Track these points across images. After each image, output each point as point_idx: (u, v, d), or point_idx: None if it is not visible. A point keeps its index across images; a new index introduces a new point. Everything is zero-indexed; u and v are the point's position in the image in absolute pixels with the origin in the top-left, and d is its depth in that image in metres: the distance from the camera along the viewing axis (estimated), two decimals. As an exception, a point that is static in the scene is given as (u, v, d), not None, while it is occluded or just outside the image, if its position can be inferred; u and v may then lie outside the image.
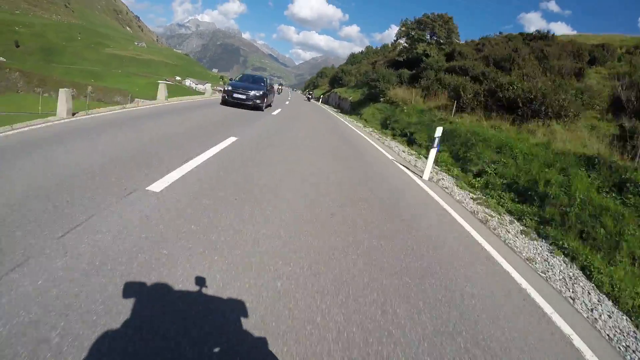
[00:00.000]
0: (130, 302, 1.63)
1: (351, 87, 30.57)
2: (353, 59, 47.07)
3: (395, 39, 24.16)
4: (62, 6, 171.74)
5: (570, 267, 3.61)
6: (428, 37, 19.91)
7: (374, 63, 30.76)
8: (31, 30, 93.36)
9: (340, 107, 26.41)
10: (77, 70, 70.98)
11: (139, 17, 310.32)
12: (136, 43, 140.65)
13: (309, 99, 36.46)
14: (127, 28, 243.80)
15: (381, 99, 14.43)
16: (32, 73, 58.25)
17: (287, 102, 21.23)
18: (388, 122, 11.07)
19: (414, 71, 16.47)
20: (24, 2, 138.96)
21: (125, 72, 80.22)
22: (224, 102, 10.27)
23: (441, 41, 19.42)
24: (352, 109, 20.46)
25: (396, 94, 13.05)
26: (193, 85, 73.93)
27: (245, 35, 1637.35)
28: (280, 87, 37.30)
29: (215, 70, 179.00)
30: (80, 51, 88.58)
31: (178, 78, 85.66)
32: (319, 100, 35.90)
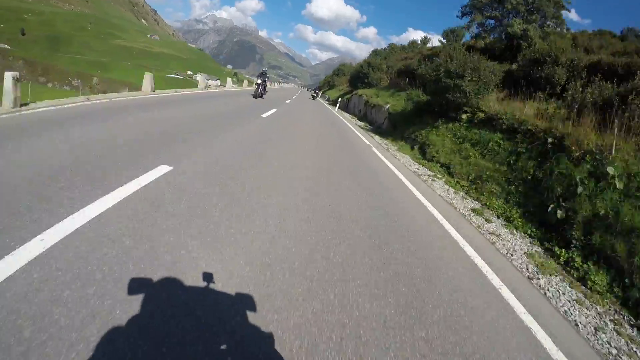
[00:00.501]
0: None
1: (384, 88, 21.54)
2: (375, 54, 36.84)
3: (464, 20, 17.16)
4: None
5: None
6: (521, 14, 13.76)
7: (424, 55, 20.34)
8: (40, 18, 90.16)
9: (370, 120, 17.69)
10: (83, 60, 66.41)
11: (155, 11, 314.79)
12: (149, 35, 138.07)
13: (314, 97, 33.01)
14: (143, 21, 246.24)
15: (463, 115, 8.43)
16: (37, 62, 56.53)
17: (288, 101, 17.76)
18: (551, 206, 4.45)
19: (514, 66, 10.46)
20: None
21: (134, 64, 74.46)
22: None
23: (548, 23, 13.13)
24: (394, 127, 12.59)
25: (508, 110, 7.04)
26: (206, 81, 77.87)
27: (262, 33, 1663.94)
28: (260, 81, 30.04)
29: (229, 67, 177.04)
30: (89, 41, 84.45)
31: (189, 72, 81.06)
32: (336, 105, 26.94)
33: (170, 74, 66.16)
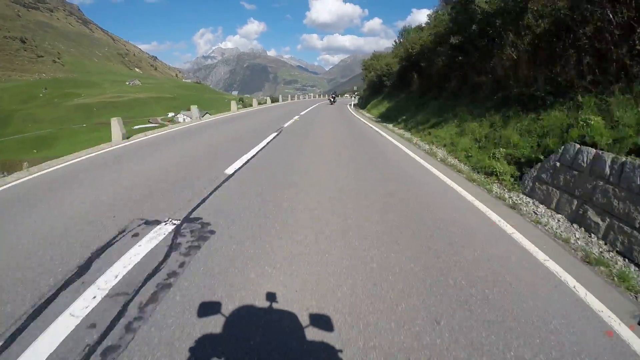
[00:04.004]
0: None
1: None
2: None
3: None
4: (50, 62, 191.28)
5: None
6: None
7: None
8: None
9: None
10: (16, 141, 67.11)
11: (155, 57, 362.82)
12: (128, 83, 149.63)
13: (331, 101, 36.34)
14: (136, 69, 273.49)
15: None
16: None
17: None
18: None
19: None
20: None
21: (93, 122, 77.32)
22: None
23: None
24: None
25: None
26: (186, 118, 52.52)
27: (271, 53, 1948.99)
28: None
29: (234, 93, 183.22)
30: (35, 112, 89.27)
31: (170, 114, 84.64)
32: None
33: (140, 123, 65.20)
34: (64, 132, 72.22)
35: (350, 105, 36.39)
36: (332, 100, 37.18)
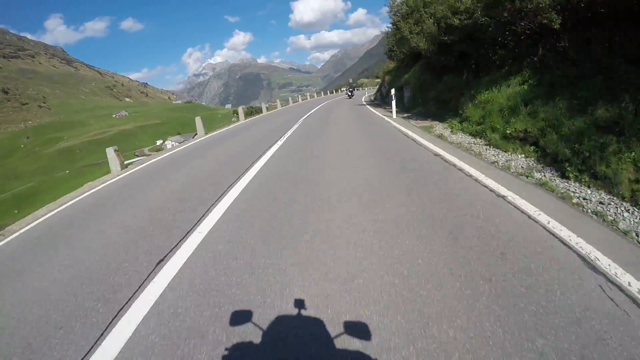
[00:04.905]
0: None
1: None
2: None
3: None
4: (36, 108, 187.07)
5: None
6: None
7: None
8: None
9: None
10: None
11: (146, 84, 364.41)
12: (114, 115, 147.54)
13: (350, 95, 34.40)
14: (127, 99, 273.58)
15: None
16: None
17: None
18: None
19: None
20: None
21: (76, 167, 74.70)
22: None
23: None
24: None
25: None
26: (174, 143, 50.91)
27: (261, 60, 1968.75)
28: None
29: (228, 106, 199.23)
30: (15, 166, 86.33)
31: (159, 142, 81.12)
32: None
33: (127, 158, 57.15)
34: (46, 184, 67.70)
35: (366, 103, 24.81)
36: (350, 94, 35.24)
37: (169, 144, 66.27)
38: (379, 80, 41.72)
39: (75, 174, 69.12)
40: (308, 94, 55.92)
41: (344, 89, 51.75)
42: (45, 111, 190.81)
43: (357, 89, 58.68)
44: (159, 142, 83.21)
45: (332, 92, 71.36)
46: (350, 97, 33.26)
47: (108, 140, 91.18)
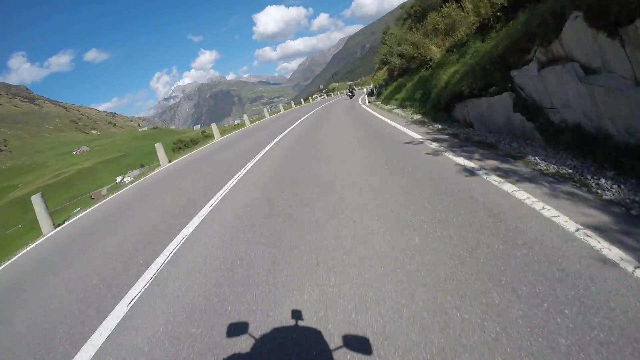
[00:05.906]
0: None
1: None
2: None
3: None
4: None
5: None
6: None
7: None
8: None
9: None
10: None
11: (114, 113, 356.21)
12: (75, 152, 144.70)
13: (350, 96, 35.24)
14: (93, 131, 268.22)
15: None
16: None
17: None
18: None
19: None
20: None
21: (29, 219, 49.44)
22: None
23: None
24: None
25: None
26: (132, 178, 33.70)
27: (230, 77, 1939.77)
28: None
29: (197, 127, 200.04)
30: None
31: (118, 179, 74.85)
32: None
33: (81, 204, 46.13)
34: (-1, 241, 59.53)
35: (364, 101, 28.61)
36: (351, 94, 36.86)
37: (128, 179, 63.76)
38: (350, 82, 56.65)
39: (28, 228, 62.07)
40: (279, 105, 49.56)
41: (345, 90, 56.05)
42: (6, 155, 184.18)
43: (357, 88, 61.98)
44: (118, 179, 78.83)
45: (309, 100, 64.76)
46: (350, 98, 35.34)
47: (65, 182, 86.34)
